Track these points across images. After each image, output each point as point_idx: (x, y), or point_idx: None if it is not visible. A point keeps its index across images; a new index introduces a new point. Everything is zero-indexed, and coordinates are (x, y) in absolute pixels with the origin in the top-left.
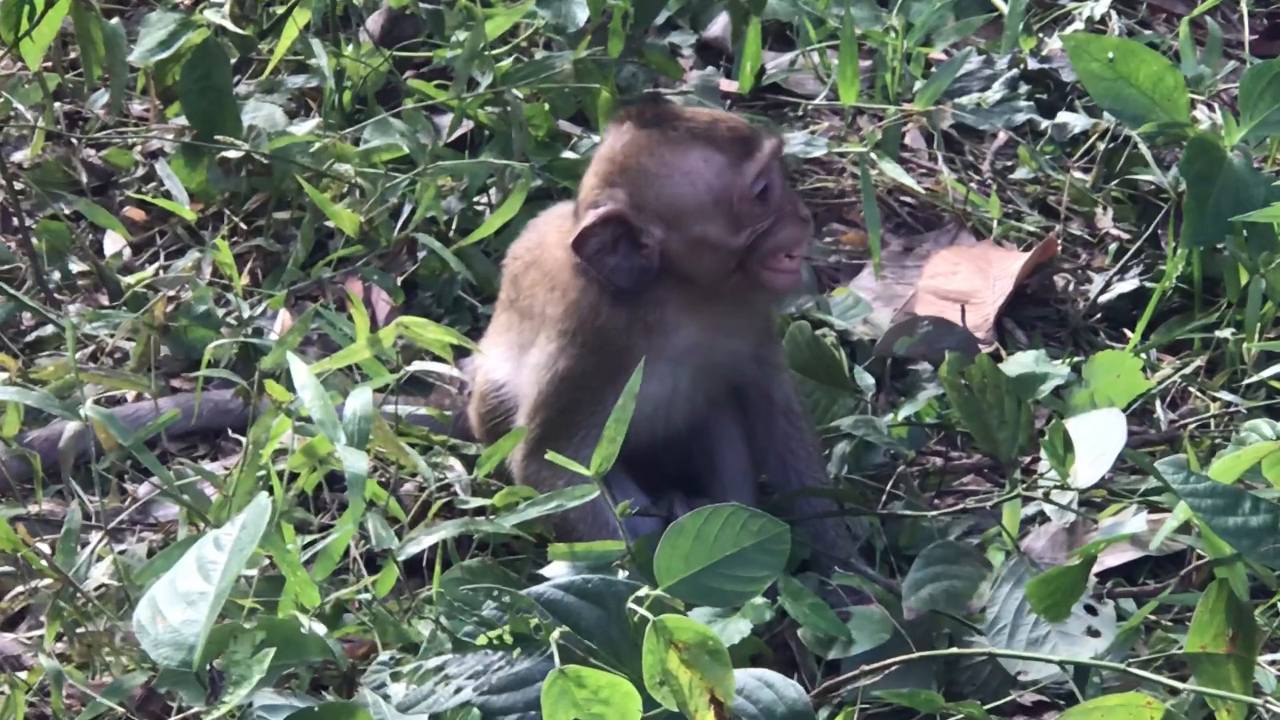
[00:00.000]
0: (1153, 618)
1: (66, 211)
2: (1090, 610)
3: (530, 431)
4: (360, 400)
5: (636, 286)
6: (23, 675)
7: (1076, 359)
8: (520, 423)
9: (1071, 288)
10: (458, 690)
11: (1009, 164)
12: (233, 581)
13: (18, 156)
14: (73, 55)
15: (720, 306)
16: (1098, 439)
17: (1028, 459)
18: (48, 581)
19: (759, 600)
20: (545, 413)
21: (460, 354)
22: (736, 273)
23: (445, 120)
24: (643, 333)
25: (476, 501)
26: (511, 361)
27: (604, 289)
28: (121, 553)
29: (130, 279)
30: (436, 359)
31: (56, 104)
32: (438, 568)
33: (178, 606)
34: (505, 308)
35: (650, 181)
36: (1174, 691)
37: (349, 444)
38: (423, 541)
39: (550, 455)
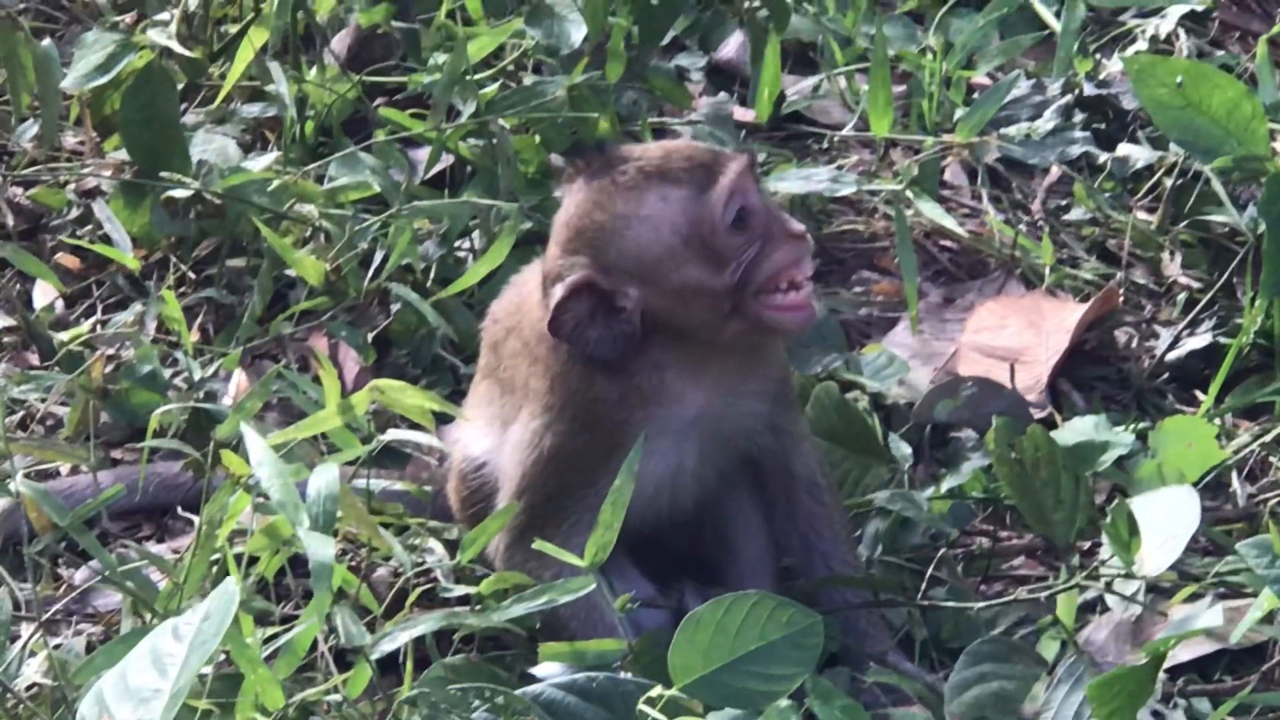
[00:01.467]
0: (1230, 719)
1: None
2: (1158, 716)
3: (514, 517)
4: (326, 478)
5: (626, 356)
6: None
7: (1141, 425)
8: (502, 505)
9: (1135, 344)
10: None
11: (1063, 203)
12: (192, 678)
13: None
14: None
15: (727, 365)
16: (1167, 519)
17: (1087, 543)
18: None
19: (784, 703)
20: (531, 497)
21: (441, 421)
22: (734, 317)
23: (422, 154)
24: (639, 404)
25: (460, 589)
26: (493, 437)
27: (591, 362)
28: (57, 647)
29: (64, 335)
30: (415, 427)
31: None
32: (413, 664)
33: (128, 705)
34: (485, 375)
35: (610, 238)
36: None
37: (313, 528)
38: (399, 637)
39: (538, 544)
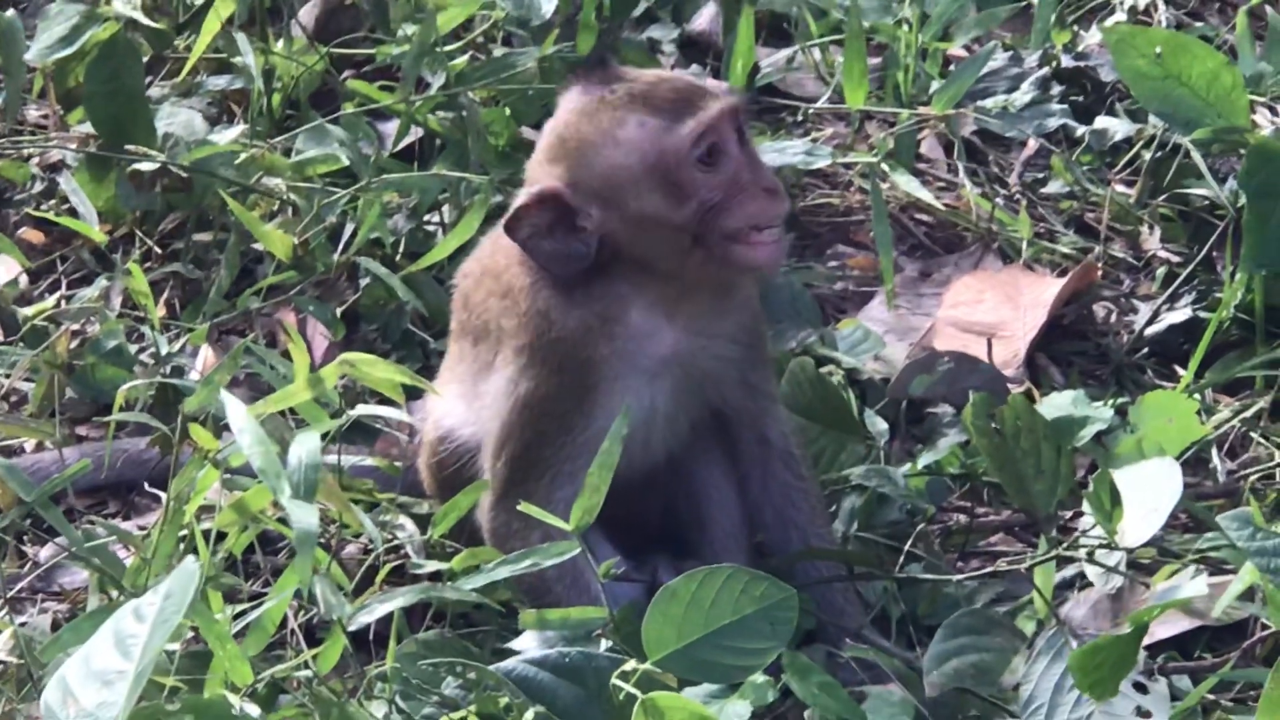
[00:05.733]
0: (1211, 696)
1: None
2: (1140, 688)
3: (497, 473)
4: (307, 446)
5: (575, 277)
6: None
7: (1120, 400)
8: (485, 464)
9: (1114, 318)
10: None
11: (1040, 176)
12: (155, 658)
13: None
14: None
15: (698, 305)
16: (1149, 492)
17: (1066, 514)
18: None
19: (760, 678)
20: (512, 447)
21: (412, 395)
22: (696, 252)
23: (391, 127)
24: (606, 339)
25: (431, 565)
26: (465, 401)
27: (556, 288)
28: (22, 625)
29: (28, 310)
30: (385, 402)
31: None
32: (393, 641)
33: (92, 687)
34: (456, 337)
35: (588, 154)
36: None
37: (295, 496)
38: (376, 610)
39: (523, 505)
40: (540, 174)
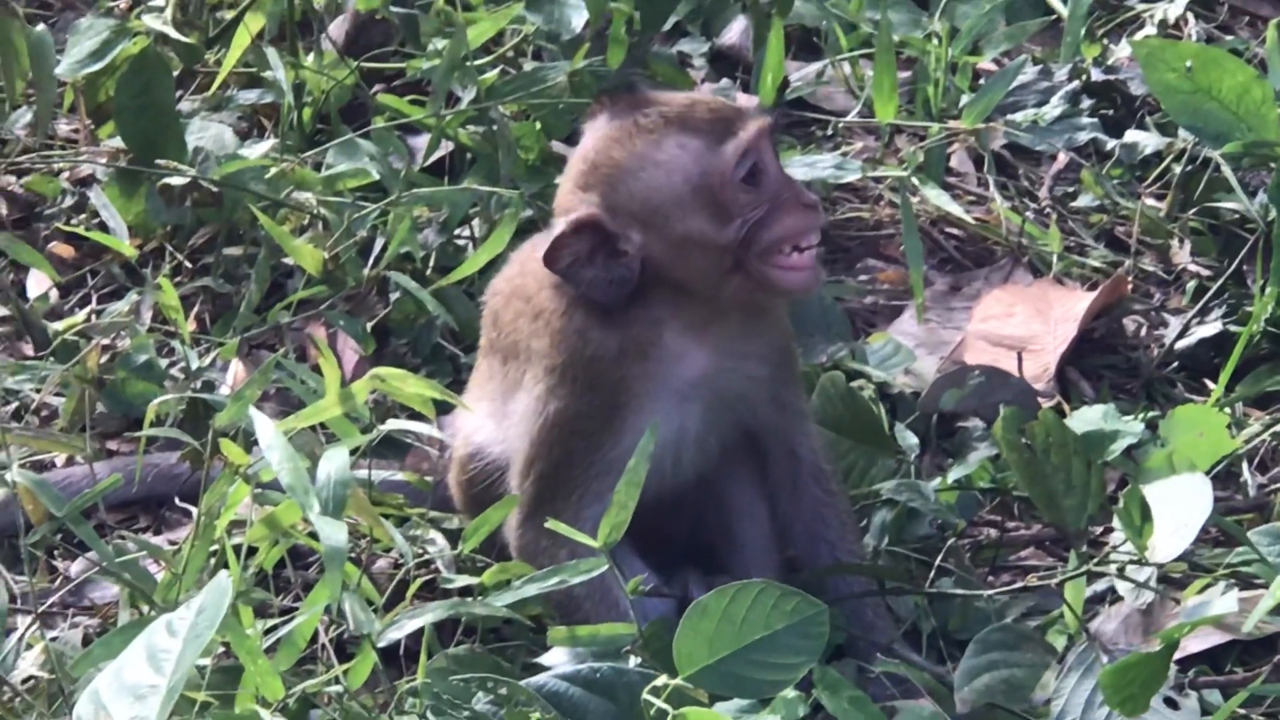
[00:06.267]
0: (1242, 710)
1: None
2: (1170, 703)
3: (525, 491)
4: (336, 463)
5: (618, 302)
6: None
7: (1151, 414)
8: (513, 482)
9: (1144, 332)
10: None
11: (1070, 190)
12: (187, 673)
13: None
14: None
15: (729, 327)
16: (1179, 506)
17: (1097, 530)
18: None
19: (791, 693)
20: (540, 466)
21: (442, 410)
22: (735, 275)
23: (421, 141)
24: (638, 360)
25: (462, 580)
26: (494, 419)
27: (591, 311)
28: (53, 640)
29: (59, 325)
30: (415, 416)
31: None
32: (423, 656)
33: (124, 701)
34: (485, 354)
35: (623, 178)
36: None
37: (324, 512)
38: (406, 625)
39: (551, 523)
40: (573, 202)
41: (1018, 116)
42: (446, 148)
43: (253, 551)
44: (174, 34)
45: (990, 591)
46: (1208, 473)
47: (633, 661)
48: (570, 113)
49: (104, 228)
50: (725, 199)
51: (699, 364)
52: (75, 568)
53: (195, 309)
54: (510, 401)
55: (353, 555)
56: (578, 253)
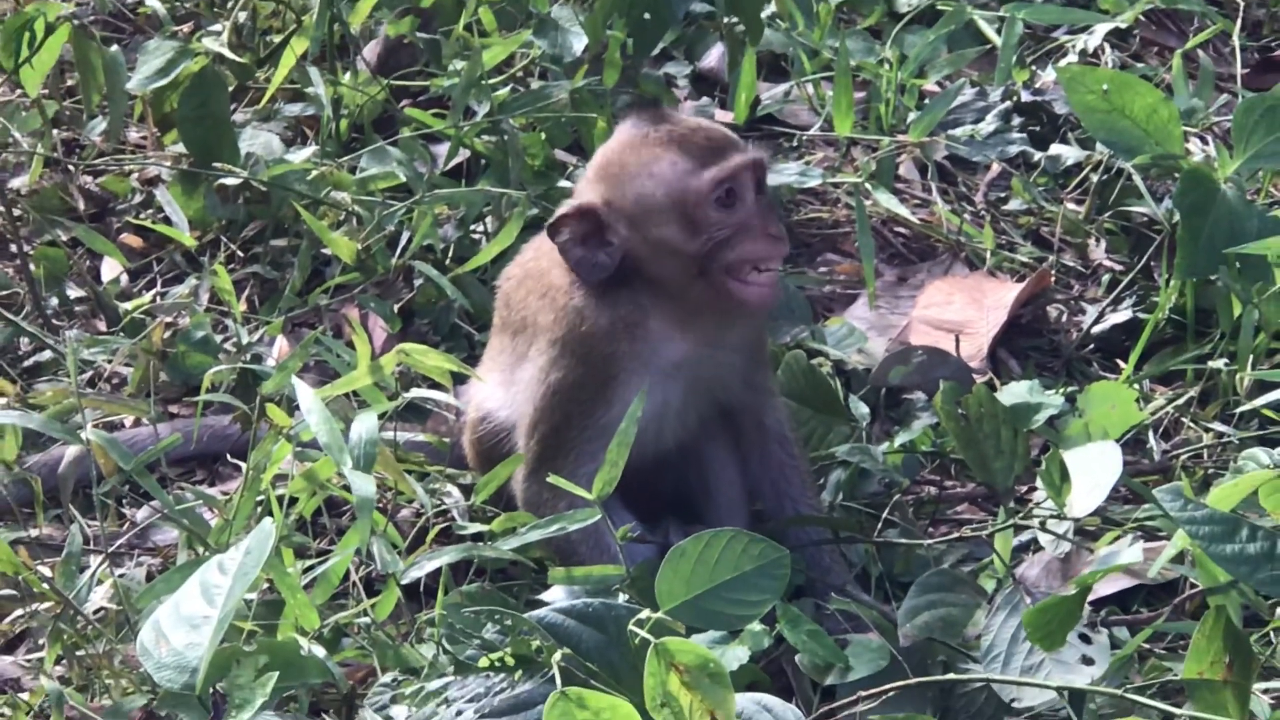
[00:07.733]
0: (1146, 646)
1: (64, 238)
2: (1084, 639)
3: (530, 450)
4: (366, 424)
5: (602, 283)
6: (23, 697)
7: (1070, 389)
8: (519, 442)
9: (1065, 318)
10: (459, 713)
11: (1002, 195)
12: (236, 606)
13: (16, 183)
14: (71, 82)
15: (705, 322)
16: (1094, 469)
17: (1022, 487)
18: (48, 604)
19: (757, 627)
20: (542, 428)
21: (458, 381)
22: (700, 281)
23: (442, 149)
24: (628, 339)
25: (474, 527)
26: (503, 387)
27: (590, 291)
28: (121, 576)
29: (128, 305)
30: (435, 386)
31: (55, 131)
32: (440, 593)
33: (181, 630)
34: (497, 331)
35: (625, 180)
36: (1169, 718)
37: (355, 468)
38: (425, 566)
39: (552, 478)
40: (585, 189)
41: (957, 131)
42: (464, 154)
43: (294, 501)
44: (229, 55)
45: (930, 541)
46: (1119, 440)
47: (621, 598)
48: (571, 125)
49: (168, 221)
50: (697, 216)
51: (680, 349)
52: (140, 514)
53: (246, 292)
54: (517, 370)
55: (380, 505)
56: (573, 233)
